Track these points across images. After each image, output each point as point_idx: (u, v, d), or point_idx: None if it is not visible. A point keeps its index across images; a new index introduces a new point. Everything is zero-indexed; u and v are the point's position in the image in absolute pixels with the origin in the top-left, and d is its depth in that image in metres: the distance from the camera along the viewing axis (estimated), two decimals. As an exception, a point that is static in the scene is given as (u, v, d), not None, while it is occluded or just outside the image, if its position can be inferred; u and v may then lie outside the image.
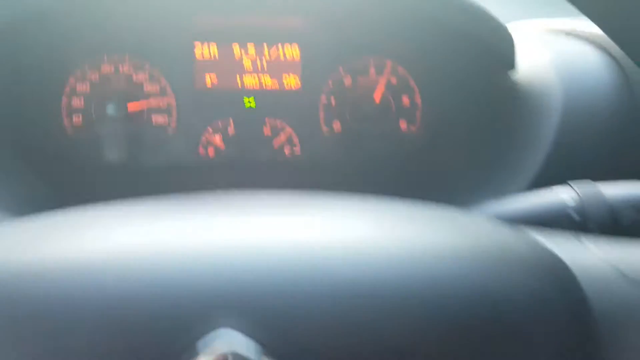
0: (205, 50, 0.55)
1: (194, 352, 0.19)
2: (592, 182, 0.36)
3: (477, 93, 0.54)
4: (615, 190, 0.35)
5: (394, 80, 0.58)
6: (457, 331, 0.20)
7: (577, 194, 0.34)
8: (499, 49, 0.50)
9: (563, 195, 0.34)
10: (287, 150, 0.58)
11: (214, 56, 0.56)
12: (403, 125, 0.59)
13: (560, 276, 0.24)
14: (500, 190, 0.46)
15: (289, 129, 0.58)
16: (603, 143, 0.47)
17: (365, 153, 0.59)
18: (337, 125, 0.59)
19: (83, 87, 0.54)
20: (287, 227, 0.23)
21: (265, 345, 0.19)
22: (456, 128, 0.56)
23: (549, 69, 0.50)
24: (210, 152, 0.57)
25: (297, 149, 0.58)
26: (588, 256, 0.26)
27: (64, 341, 0.19)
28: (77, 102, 0.54)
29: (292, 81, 0.57)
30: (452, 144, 0.56)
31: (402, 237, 0.23)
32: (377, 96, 0.58)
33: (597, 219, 0.33)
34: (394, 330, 0.20)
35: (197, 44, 0.55)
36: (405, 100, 0.59)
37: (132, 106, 0.55)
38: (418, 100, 0.59)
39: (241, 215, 0.25)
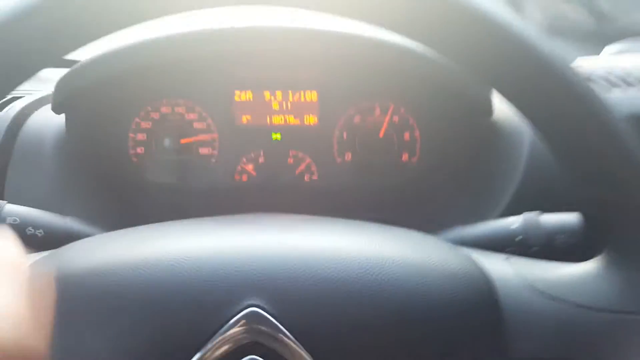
0: (242, 96, 0.68)
1: (230, 325, 0.28)
2: (537, 213, 0.46)
3: (463, 133, 0.65)
4: (552, 219, 0.45)
5: (396, 119, 0.70)
6: (391, 316, 0.29)
7: (523, 222, 0.45)
8: (478, 100, 0.61)
9: (513, 223, 0.45)
10: (306, 177, 0.70)
11: (249, 100, 0.69)
12: (405, 156, 0.71)
13: (478, 287, 0.31)
14: (477, 216, 0.57)
15: (308, 159, 0.70)
16: (563, 177, 0.57)
17: (372, 179, 0.71)
18: (348, 156, 0.71)
19: (146, 125, 0.68)
20: (291, 238, 0.33)
21: (283, 321, 0.28)
22: (447, 161, 0.67)
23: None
24: (244, 177, 0.69)
25: (315, 176, 0.70)
26: (508, 273, 0.33)
27: (148, 308, 0.29)
28: (141, 137, 0.68)
29: (311, 119, 0.70)
30: (444, 174, 0.67)
31: (368, 252, 0.32)
32: (382, 132, 0.70)
33: (536, 242, 0.44)
34: (361, 310, 0.29)
35: (237, 91, 0.68)
36: (406, 135, 0.70)
37: (184, 140, 0.69)
38: (417, 135, 0.70)
39: (264, 229, 0.35)
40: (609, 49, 0.96)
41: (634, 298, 0.30)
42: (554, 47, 0.28)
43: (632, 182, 0.28)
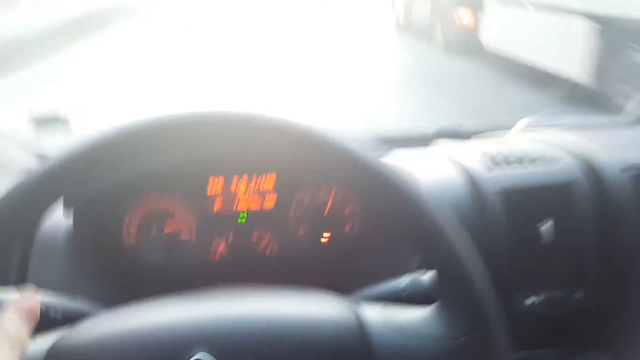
0: (213, 190, 0.86)
1: None
2: (421, 271, 0.62)
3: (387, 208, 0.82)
4: (430, 277, 0.61)
5: (339, 198, 0.87)
6: (290, 356, 0.45)
7: (409, 281, 0.61)
8: None
9: (403, 282, 0.61)
10: (268, 251, 0.86)
11: (221, 190, 0.86)
12: (347, 228, 0.88)
13: (352, 330, 0.45)
14: (395, 274, 0.72)
15: (269, 235, 0.87)
16: None
17: (321, 248, 0.87)
18: (301, 231, 0.87)
19: (136, 220, 0.85)
20: (231, 307, 0.49)
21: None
22: (377, 231, 0.84)
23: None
24: (217, 256, 0.85)
25: (275, 249, 0.87)
26: (379, 317, 0.48)
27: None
28: (133, 228, 0.85)
29: (269, 204, 0.87)
30: (376, 242, 0.84)
31: (282, 311, 0.48)
32: (327, 209, 0.87)
33: (417, 296, 0.59)
34: (273, 351, 0.45)
35: (209, 187, 0.86)
36: (347, 210, 0.87)
37: (168, 227, 0.85)
38: (356, 210, 0.87)
39: (214, 299, 0.52)
40: (520, 123, 1.15)
41: (454, 328, 0.46)
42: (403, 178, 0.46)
43: (443, 257, 0.45)
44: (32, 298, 0.48)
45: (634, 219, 0.73)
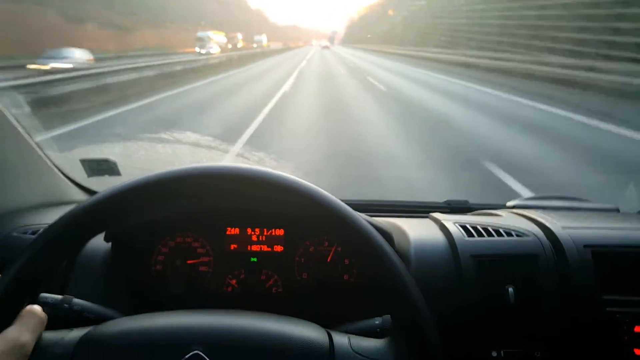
0: (231, 231, 1.00)
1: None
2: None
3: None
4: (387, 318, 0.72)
5: (339, 249, 1.00)
6: None
7: (382, 320, 0.72)
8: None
9: (377, 320, 0.73)
10: (274, 289, 0.98)
11: (236, 234, 1.00)
12: (345, 277, 1.00)
13: (322, 352, 0.57)
14: (373, 315, 0.80)
15: (276, 276, 0.99)
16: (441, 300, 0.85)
17: (322, 292, 0.99)
18: (305, 275, 0.99)
19: (165, 250, 0.99)
20: (227, 320, 0.62)
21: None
22: (368, 281, 0.96)
23: (410, 247, 0.91)
24: (230, 289, 0.98)
25: (280, 289, 0.99)
26: (345, 344, 0.59)
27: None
28: (160, 258, 0.99)
29: (279, 248, 1.00)
30: (366, 290, 0.95)
31: (263, 333, 0.59)
32: (329, 258, 1.00)
33: (387, 331, 0.70)
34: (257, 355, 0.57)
35: (228, 228, 1.00)
36: (347, 261, 1.00)
37: (190, 261, 0.99)
38: (354, 261, 1.00)
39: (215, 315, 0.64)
40: (510, 202, 1.28)
41: (402, 357, 0.57)
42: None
43: (400, 306, 0.57)
44: (40, 313, 0.60)
45: (591, 288, 0.84)
